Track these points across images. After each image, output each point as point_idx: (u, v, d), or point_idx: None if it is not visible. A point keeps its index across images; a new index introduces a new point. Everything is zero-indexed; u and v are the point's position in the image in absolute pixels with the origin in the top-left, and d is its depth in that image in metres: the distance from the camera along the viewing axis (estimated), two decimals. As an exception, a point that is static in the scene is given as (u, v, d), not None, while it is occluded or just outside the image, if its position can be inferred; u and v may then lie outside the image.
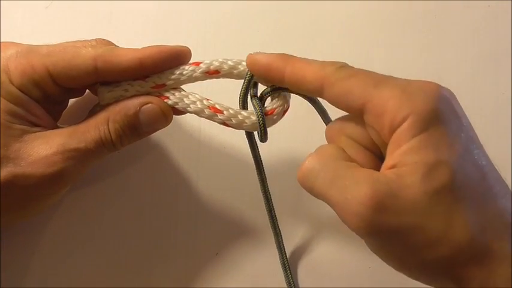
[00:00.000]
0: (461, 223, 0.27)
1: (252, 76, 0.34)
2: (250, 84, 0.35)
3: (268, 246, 0.40)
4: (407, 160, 0.27)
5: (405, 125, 0.28)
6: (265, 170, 0.37)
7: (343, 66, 0.31)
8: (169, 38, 0.43)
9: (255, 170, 0.36)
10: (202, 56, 0.36)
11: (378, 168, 0.30)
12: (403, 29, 0.45)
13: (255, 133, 0.36)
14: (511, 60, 0.45)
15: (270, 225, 0.38)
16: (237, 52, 0.43)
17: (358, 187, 0.27)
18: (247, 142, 0.36)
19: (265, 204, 0.37)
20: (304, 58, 0.32)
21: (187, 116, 0.36)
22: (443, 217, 0.27)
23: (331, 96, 0.31)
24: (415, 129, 0.27)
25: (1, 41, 0.35)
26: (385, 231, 0.27)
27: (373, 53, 0.45)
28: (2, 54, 0.33)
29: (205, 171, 0.41)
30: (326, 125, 0.36)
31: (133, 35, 0.43)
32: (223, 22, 0.44)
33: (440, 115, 0.28)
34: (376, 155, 0.31)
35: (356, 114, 0.30)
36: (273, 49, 0.44)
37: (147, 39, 0.43)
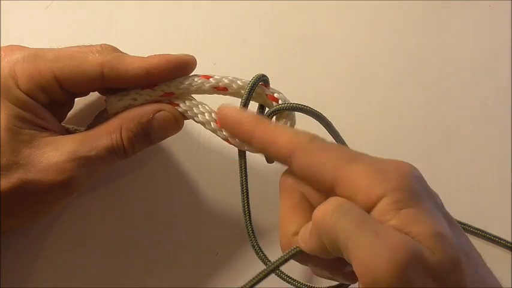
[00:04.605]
0: None
1: (248, 96, 0.34)
2: (248, 104, 0.34)
3: (269, 247, 0.40)
4: (407, 232, 0.26)
5: (385, 201, 0.27)
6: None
7: (317, 137, 0.31)
8: (169, 38, 0.44)
9: (240, 188, 0.35)
10: (201, 58, 0.36)
11: None
12: (403, 29, 0.45)
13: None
14: (511, 60, 0.45)
15: (271, 225, 0.38)
16: (237, 55, 0.44)
17: (392, 233, 0.26)
18: (238, 159, 0.35)
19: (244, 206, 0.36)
20: (283, 126, 0.32)
21: (188, 116, 0.36)
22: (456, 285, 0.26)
23: (301, 165, 0.30)
24: (397, 205, 0.26)
25: (1, 41, 0.35)
26: None
27: (372, 53, 0.45)
28: (8, 58, 0.33)
29: (205, 171, 0.41)
30: (332, 137, 0.36)
31: (134, 35, 0.43)
32: (224, 24, 0.44)
33: (418, 193, 0.27)
34: None
35: (323, 188, 0.29)
36: (274, 51, 0.44)
37: (147, 40, 0.43)
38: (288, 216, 0.32)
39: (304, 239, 0.30)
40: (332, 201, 0.28)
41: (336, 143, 0.30)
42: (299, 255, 0.31)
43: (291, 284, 0.35)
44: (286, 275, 0.35)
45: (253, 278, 0.31)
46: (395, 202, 0.26)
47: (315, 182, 0.30)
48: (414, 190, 0.27)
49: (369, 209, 0.27)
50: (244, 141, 0.33)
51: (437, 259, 0.25)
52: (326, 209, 0.28)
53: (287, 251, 0.31)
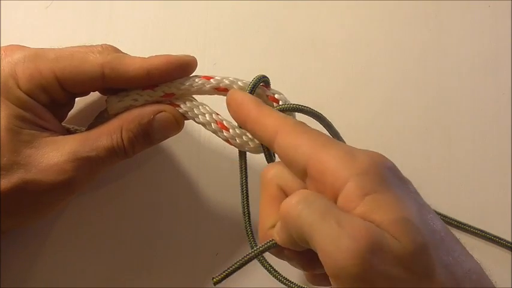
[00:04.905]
0: (439, 281, 0.25)
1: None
2: None
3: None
4: (372, 219, 0.26)
5: (351, 185, 0.27)
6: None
7: (303, 123, 0.32)
8: (169, 38, 0.44)
9: (240, 189, 0.35)
10: (201, 58, 0.36)
11: None
12: (403, 29, 0.45)
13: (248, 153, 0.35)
14: (511, 60, 0.45)
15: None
16: (237, 55, 0.44)
17: (354, 222, 0.26)
18: (238, 160, 0.35)
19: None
20: (276, 111, 0.33)
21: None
22: (424, 274, 0.25)
23: (281, 146, 0.30)
24: (363, 191, 0.26)
25: (1, 41, 0.35)
26: (373, 276, 0.25)
27: (372, 53, 0.45)
28: (8, 58, 0.33)
29: (205, 171, 0.41)
30: (333, 137, 0.36)
31: (134, 35, 0.43)
32: (224, 24, 0.44)
33: (386, 179, 0.27)
34: None
35: (297, 171, 0.30)
36: (274, 51, 0.44)
37: (147, 40, 0.43)
38: (266, 209, 0.32)
39: (278, 232, 0.30)
40: (297, 194, 0.28)
41: (319, 130, 0.31)
42: (274, 248, 0.31)
43: (289, 287, 0.35)
44: (285, 278, 0.35)
45: (223, 272, 0.32)
46: (361, 187, 0.27)
47: (291, 163, 0.30)
48: (382, 176, 0.27)
49: (336, 193, 0.27)
50: (241, 124, 0.34)
51: (402, 246, 0.25)
52: (291, 202, 0.28)
53: (262, 243, 0.31)
